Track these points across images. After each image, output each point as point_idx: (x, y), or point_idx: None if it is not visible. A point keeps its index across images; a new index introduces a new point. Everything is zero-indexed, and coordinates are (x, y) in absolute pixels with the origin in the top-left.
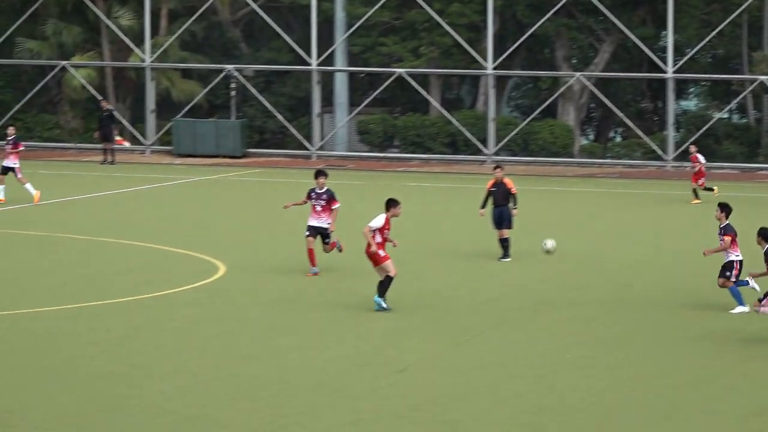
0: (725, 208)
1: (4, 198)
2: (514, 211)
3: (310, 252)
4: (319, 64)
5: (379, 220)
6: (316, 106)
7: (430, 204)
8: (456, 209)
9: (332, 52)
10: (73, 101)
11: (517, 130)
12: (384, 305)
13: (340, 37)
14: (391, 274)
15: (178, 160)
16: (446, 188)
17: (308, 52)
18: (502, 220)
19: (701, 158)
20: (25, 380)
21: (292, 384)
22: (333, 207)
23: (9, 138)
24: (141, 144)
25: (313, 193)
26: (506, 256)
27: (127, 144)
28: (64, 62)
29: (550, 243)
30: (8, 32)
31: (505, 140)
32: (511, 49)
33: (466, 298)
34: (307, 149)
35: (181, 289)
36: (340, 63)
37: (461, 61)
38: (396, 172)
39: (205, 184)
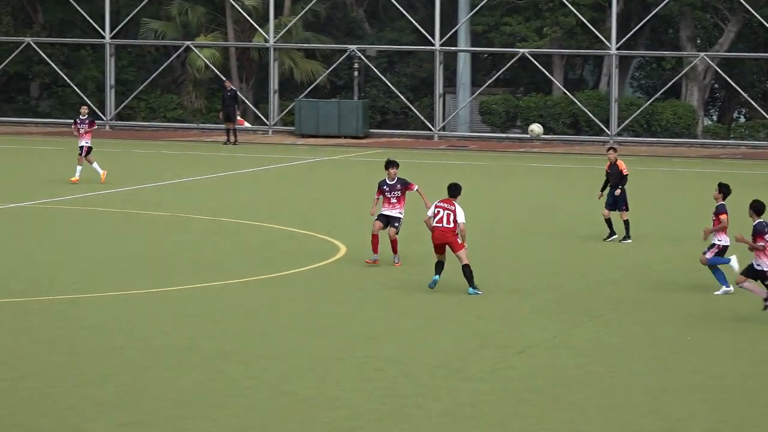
0: (723, 189)
1: (78, 178)
2: (617, 191)
3: (374, 238)
4: (442, 45)
5: (461, 214)
6: (439, 86)
7: (552, 185)
8: (577, 190)
9: (455, 32)
10: (197, 81)
11: (640, 110)
12: (479, 291)
13: (464, 16)
14: (466, 262)
15: (301, 141)
16: (568, 169)
17: (431, 33)
18: (617, 202)
19: None
20: (144, 359)
21: (410, 365)
22: (412, 190)
23: (83, 117)
24: (264, 124)
25: (385, 186)
26: (627, 237)
27: (247, 125)
28: (188, 42)
29: (537, 128)
30: (133, 13)
31: (628, 121)
32: (635, 29)
33: (585, 280)
34: (430, 130)
35: (301, 269)
36: (463, 43)
37: (584, 41)
38: (517, 153)
39: (327, 165)
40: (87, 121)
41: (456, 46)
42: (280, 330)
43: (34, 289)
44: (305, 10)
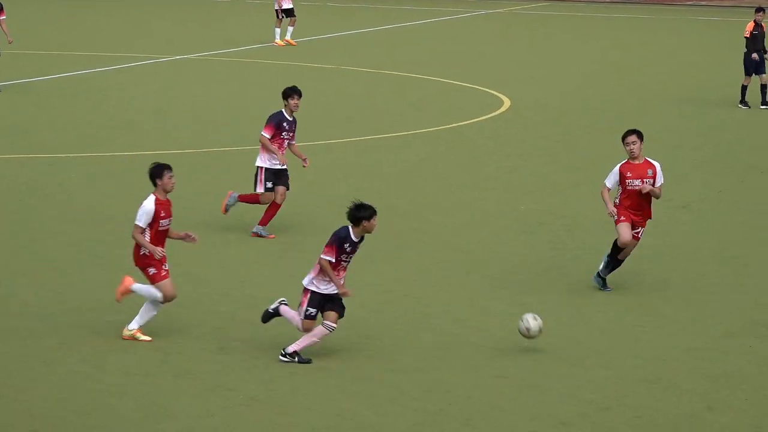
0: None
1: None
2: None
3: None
4: None
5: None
6: None
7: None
8: None
9: None
10: None
11: None
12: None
13: None
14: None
15: None
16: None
17: None
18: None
19: None
20: (309, 208)
21: (576, 219)
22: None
23: None
24: None
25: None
26: (764, 103)
27: None
28: None
29: (533, 325)
30: None
31: None
32: None
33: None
34: None
35: (465, 122)
36: None
37: None
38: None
39: (493, 18)
40: None
41: None
42: (447, 182)
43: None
44: None
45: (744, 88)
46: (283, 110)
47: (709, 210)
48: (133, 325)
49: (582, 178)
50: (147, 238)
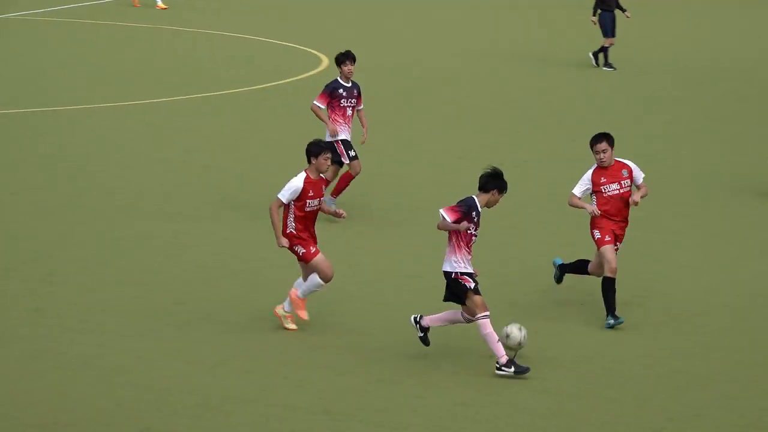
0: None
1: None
2: None
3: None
4: None
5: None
6: None
7: None
8: None
9: None
10: None
11: None
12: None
13: None
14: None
15: None
16: None
17: None
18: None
19: None
20: (143, 170)
21: (399, 176)
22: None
23: None
24: None
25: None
26: (601, 63)
27: None
28: None
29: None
30: None
31: None
32: None
33: None
34: None
35: (283, 81)
36: None
37: None
38: None
39: None
40: None
41: None
42: (273, 143)
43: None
44: None
45: (604, 49)
46: (339, 77)
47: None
48: (288, 307)
49: (413, 137)
50: (292, 217)
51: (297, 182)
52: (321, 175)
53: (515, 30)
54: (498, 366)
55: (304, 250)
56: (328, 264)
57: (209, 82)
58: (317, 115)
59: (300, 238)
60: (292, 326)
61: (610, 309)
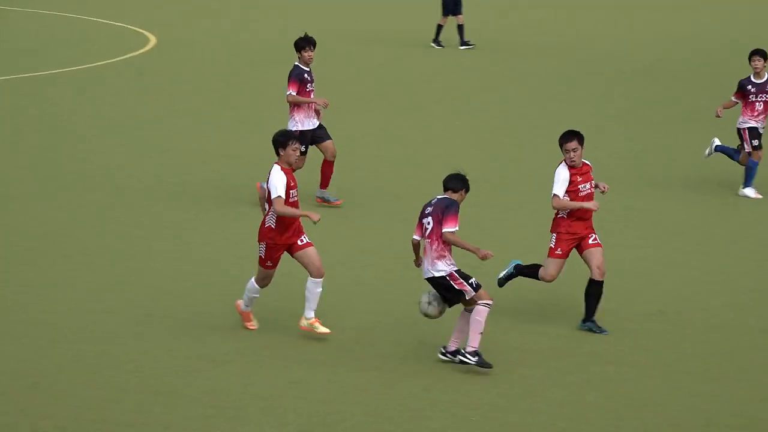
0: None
1: None
2: None
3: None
4: None
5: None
6: None
7: None
8: None
9: None
10: None
11: None
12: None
13: None
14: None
15: None
16: None
17: None
18: (456, 5)
19: None
20: None
21: (237, 159)
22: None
23: None
24: None
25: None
26: (463, 43)
27: None
28: None
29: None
30: None
31: None
32: None
33: None
34: None
35: (108, 61)
36: None
37: None
38: None
39: None
40: None
41: None
42: (105, 121)
43: None
44: None
45: (439, 27)
46: (298, 63)
47: (372, 145)
48: (310, 314)
49: (244, 116)
50: (274, 210)
51: (279, 173)
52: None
53: (366, 11)
54: (463, 353)
55: (264, 256)
56: (268, 276)
57: (37, 62)
58: (297, 102)
59: (272, 239)
60: (324, 330)
61: (509, 278)
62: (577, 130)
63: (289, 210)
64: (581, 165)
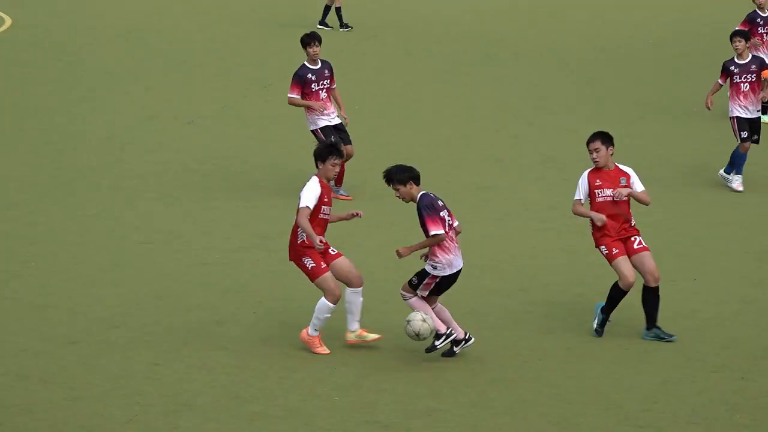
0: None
1: None
2: None
3: None
4: None
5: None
6: None
7: None
8: None
9: None
10: None
11: None
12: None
13: None
14: None
15: None
16: None
17: None
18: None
19: None
20: None
21: (80, 138)
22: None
23: None
24: None
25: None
26: (342, 26)
27: None
28: None
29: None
30: None
31: None
32: None
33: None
34: None
35: None
36: None
37: None
38: None
39: None
40: None
41: None
42: None
43: None
44: None
45: (327, 8)
46: (305, 62)
47: (213, 125)
48: (355, 326)
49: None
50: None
51: (315, 185)
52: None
53: None
54: (439, 335)
55: (314, 264)
56: (335, 283)
57: None
58: (297, 106)
59: (310, 248)
60: (374, 336)
61: (602, 324)
62: (605, 131)
63: (308, 227)
64: (611, 168)
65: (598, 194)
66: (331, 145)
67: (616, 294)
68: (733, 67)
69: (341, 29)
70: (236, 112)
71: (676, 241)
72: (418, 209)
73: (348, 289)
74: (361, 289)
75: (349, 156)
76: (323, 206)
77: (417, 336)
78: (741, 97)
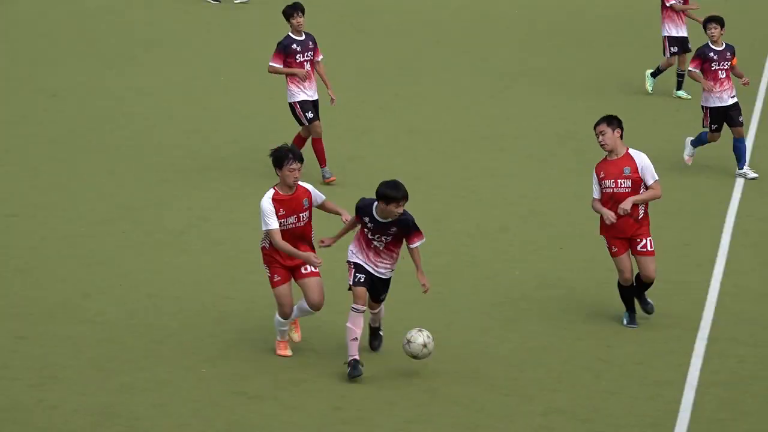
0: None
1: None
2: None
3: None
4: None
5: None
6: None
7: None
8: None
9: None
10: None
11: None
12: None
13: None
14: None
15: None
16: None
17: None
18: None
19: None
20: None
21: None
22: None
23: None
24: None
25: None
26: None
27: None
28: None
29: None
30: None
31: None
32: None
33: None
34: None
35: None
36: None
37: None
38: None
39: None
40: None
41: None
42: None
43: None
44: None
45: None
46: (290, 32)
47: (73, 99)
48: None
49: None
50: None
51: (265, 204)
52: (303, 184)
53: None
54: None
55: (270, 275)
56: (287, 296)
57: None
58: (277, 73)
59: (272, 257)
60: (296, 336)
61: (632, 318)
62: (613, 115)
63: (288, 247)
64: (620, 154)
65: (603, 186)
66: (286, 150)
67: (623, 292)
68: (712, 54)
69: (236, 1)
70: (98, 84)
71: (542, 211)
72: (410, 221)
73: (305, 305)
74: (314, 313)
75: (317, 134)
76: (280, 219)
77: (413, 357)
78: (717, 85)
